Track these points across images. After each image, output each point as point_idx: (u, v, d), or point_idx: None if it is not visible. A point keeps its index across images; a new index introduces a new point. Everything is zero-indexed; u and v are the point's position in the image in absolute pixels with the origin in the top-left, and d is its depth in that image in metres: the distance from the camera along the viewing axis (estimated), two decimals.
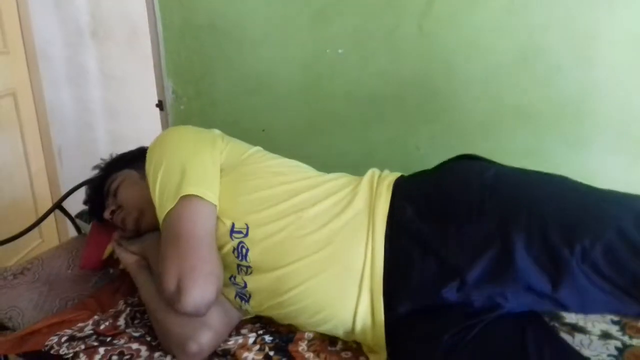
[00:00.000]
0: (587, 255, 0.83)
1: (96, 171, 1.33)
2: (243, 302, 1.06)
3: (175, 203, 0.97)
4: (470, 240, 0.89)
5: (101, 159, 1.34)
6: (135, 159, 1.25)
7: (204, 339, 0.97)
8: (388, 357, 0.95)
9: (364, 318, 0.95)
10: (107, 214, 1.19)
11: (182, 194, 0.97)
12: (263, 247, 0.99)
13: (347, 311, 0.95)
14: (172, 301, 0.91)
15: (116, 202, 1.20)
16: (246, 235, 0.99)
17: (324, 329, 1.01)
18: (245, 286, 1.02)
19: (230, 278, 1.04)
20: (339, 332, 1.00)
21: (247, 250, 0.99)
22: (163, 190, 1.00)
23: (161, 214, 0.99)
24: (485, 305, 0.90)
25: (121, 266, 1.23)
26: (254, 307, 1.05)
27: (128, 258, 1.15)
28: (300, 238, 0.97)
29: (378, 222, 0.96)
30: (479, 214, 0.90)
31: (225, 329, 1.04)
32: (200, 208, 0.98)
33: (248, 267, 1.01)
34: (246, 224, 1.00)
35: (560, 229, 0.85)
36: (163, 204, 0.99)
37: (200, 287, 0.90)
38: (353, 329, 0.97)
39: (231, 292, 1.07)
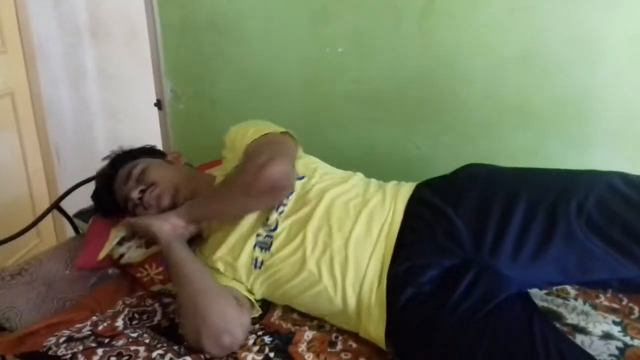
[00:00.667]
0: (582, 209, 0.93)
1: (105, 162, 1.37)
2: (262, 251, 1.09)
3: (276, 131, 1.18)
4: (478, 207, 1.00)
5: (111, 151, 1.39)
6: (148, 153, 1.36)
7: (239, 333, 0.98)
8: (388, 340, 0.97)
9: (375, 268, 1.00)
10: (135, 194, 1.21)
11: (282, 130, 1.19)
12: (309, 196, 1.12)
13: (364, 255, 1.02)
14: (260, 169, 1.02)
15: (145, 183, 1.23)
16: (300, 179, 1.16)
17: (329, 257, 1.03)
18: (275, 229, 1.10)
19: (265, 220, 1.12)
20: (348, 283, 1.01)
21: (291, 193, 1.13)
22: (258, 131, 1.18)
23: (255, 136, 1.16)
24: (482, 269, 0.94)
25: (124, 260, 1.24)
26: (272, 252, 1.08)
27: (162, 225, 1.12)
28: (340, 195, 1.12)
29: (400, 200, 1.09)
30: (487, 194, 1.02)
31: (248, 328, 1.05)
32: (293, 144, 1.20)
33: (283, 210, 1.11)
34: (304, 175, 1.17)
35: (557, 190, 0.97)
36: (261, 130, 1.17)
37: (286, 165, 1.06)
38: (363, 281, 1.00)
39: (250, 245, 1.10)
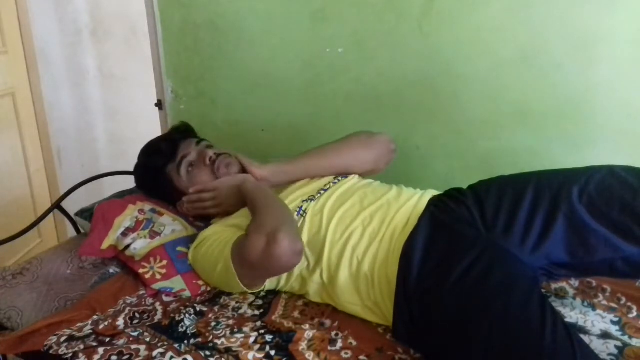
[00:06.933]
0: (583, 193, 0.98)
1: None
2: (308, 201, 1.22)
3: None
4: (493, 201, 1.06)
5: (180, 122, 1.48)
6: None
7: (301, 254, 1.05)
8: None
9: (405, 215, 1.12)
10: (211, 153, 1.31)
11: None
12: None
13: (397, 204, 1.15)
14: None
15: (219, 150, 1.34)
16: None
17: (370, 211, 1.15)
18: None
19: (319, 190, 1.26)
20: (375, 221, 1.12)
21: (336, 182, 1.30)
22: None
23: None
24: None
25: (129, 252, 1.28)
26: (317, 200, 1.22)
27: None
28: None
29: (428, 193, 1.21)
30: (500, 192, 1.08)
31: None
32: None
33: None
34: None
35: (561, 180, 1.03)
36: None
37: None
38: (390, 224, 1.10)
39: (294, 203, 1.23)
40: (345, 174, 1.34)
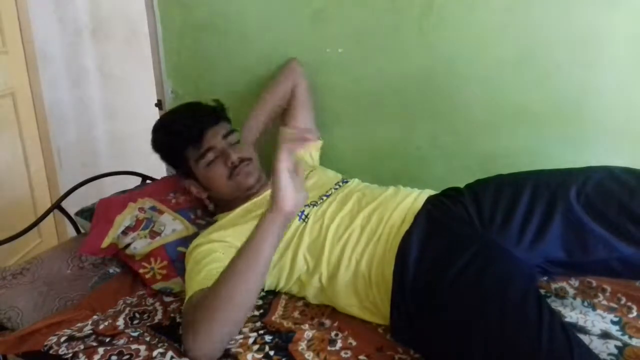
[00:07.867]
0: (580, 192, 0.98)
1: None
2: (311, 206, 1.22)
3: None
4: (490, 199, 1.07)
5: (214, 100, 1.42)
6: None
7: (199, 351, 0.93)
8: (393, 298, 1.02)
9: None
10: (235, 157, 1.27)
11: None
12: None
13: (393, 202, 1.17)
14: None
15: (244, 154, 1.31)
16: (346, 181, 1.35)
17: (368, 211, 1.16)
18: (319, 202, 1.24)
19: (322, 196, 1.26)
20: (372, 221, 1.13)
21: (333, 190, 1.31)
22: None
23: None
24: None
25: (129, 250, 1.27)
26: (319, 205, 1.22)
27: (299, 196, 0.94)
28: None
29: (426, 193, 1.22)
30: (498, 190, 1.09)
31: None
32: None
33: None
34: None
35: (559, 179, 1.03)
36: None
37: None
38: (387, 222, 1.11)
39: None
40: (285, 103, 1.52)
